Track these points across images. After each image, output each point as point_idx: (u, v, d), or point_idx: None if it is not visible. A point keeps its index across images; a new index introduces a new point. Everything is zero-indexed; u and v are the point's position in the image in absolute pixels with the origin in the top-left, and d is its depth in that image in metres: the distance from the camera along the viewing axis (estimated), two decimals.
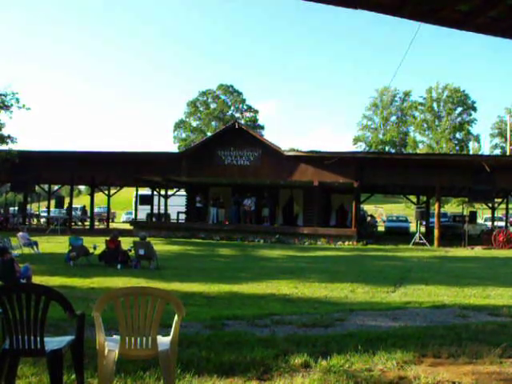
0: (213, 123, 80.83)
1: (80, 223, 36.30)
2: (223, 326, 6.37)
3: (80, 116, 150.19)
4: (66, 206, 32.22)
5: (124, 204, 58.34)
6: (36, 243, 17.33)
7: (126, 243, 15.59)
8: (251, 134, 26.46)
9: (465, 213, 31.32)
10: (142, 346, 3.64)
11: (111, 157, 27.13)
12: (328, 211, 29.04)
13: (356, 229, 24.27)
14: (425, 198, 33.54)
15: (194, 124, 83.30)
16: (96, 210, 38.20)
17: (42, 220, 36.99)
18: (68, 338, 3.87)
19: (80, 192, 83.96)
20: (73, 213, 32.10)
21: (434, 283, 11.68)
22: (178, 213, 31.72)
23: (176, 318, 3.72)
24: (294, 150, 29.26)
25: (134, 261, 14.21)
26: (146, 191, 35.37)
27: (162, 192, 31.58)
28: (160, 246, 18.44)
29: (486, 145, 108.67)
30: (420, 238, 24.20)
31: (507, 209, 31.31)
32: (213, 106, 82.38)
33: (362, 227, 27.58)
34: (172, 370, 3.77)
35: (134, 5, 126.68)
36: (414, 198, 36.24)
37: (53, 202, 35.91)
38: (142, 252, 14.07)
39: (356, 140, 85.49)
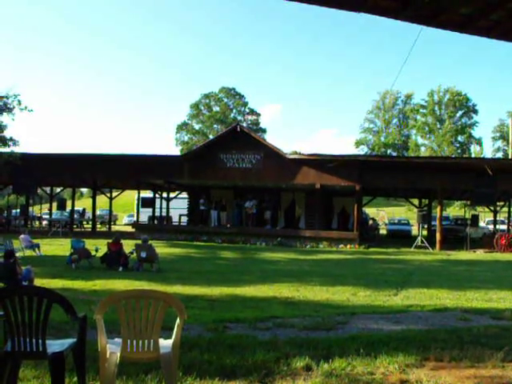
0: (215, 126, 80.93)
1: (84, 225, 36.44)
2: (225, 328, 6.37)
3: (82, 119, 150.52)
4: (68, 208, 32.29)
5: (126, 206, 58.42)
6: (38, 245, 17.35)
7: (127, 246, 15.60)
8: (253, 137, 26.48)
9: (467, 216, 31.28)
10: (144, 349, 3.65)
11: (113, 159, 27.17)
12: (330, 214, 29.02)
13: (358, 232, 24.25)
14: (427, 201, 33.50)
15: (197, 127, 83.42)
16: (98, 212, 38.26)
17: (44, 222, 37.07)
18: (70, 341, 3.87)
19: (82, 194, 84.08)
20: (74, 215, 32.19)
21: (436, 286, 11.65)
22: (180, 215, 31.74)
23: (178, 320, 3.72)
24: (296, 152, 29.29)
25: (136, 263, 14.21)
26: (147, 194, 35.42)
27: (164, 195, 31.61)
28: (162, 249, 18.44)
29: (488, 148, 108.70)
30: (422, 242, 24.16)
31: (509, 212, 31.26)
32: (215, 108, 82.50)
33: (364, 230, 27.56)
34: (174, 373, 3.78)
35: (133, 8, 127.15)
36: (415, 201, 36.21)
37: (55, 205, 35.98)
38: (143, 255, 14.07)
39: (358, 143, 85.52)
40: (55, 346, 3.71)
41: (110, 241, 14.85)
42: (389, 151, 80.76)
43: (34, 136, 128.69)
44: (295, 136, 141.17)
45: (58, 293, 3.72)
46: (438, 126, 72.93)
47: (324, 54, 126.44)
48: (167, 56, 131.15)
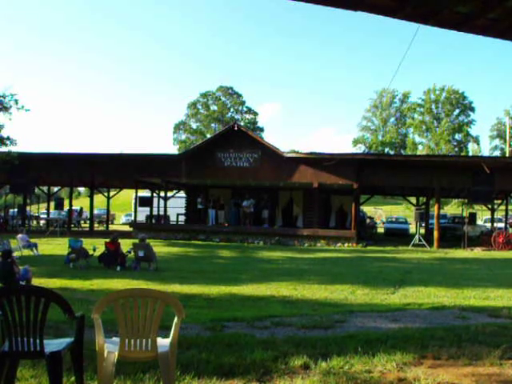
0: (212, 125, 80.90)
1: (82, 224, 36.39)
2: (223, 327, 6.37)
3: (79, 118, 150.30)
4: (65, 207, 32.27)
5: (123, 206, 58.34)
6: (35, 245, 17.31)
7: (125, 245, 15.58)
8: (251, 136, 26.46)
9: (464, 214, 31.30)
10: (142, 348, 3.64)
11: (111, 158, 27.13)
12: (327, 213, 29.02)
13: (355, 230, 24.26)
14: (424, 200, 33.53)
15: (194, 126, 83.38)
16: (95, 211, 38.20)
17: (42, 222, 37.01)
18: (67, 340, 3.87)
19: (79, 194, 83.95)
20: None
21: (434, 285, 11.68)
22: (178, 214, 31.70)
23: (176, 319, 3.71)
24: (293, 151, 29.27)
25: (133, 263, 14.20)
26: (145, 193, 35.37)
27: (162, 194, 31.57)
28: (159, 248, 18.44)
29: (485, 146, 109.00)
30: (419, 240, 24.19)
31: (507, 210, 31.30)
32: (213, 107, 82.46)
33: (362, 229, 27.58)
34: (172, 372, 3.77)
35: (131, 5, 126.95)
36: (413, 200, 36.25)
37: (52, 204, 35.94)
38: (141, 254, 14.06)
39: (356, 142, 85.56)
40: (53, 345, 3.70)
41: (107, 240, 14.83)
42: (386, 150, 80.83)
43: (32, 135, 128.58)
44: (295, 134, 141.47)
45: (55, 292, 3.71)
46: (435, 124, 73.02)
47: (323, 53, 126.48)
48: (166, 54, 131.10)
